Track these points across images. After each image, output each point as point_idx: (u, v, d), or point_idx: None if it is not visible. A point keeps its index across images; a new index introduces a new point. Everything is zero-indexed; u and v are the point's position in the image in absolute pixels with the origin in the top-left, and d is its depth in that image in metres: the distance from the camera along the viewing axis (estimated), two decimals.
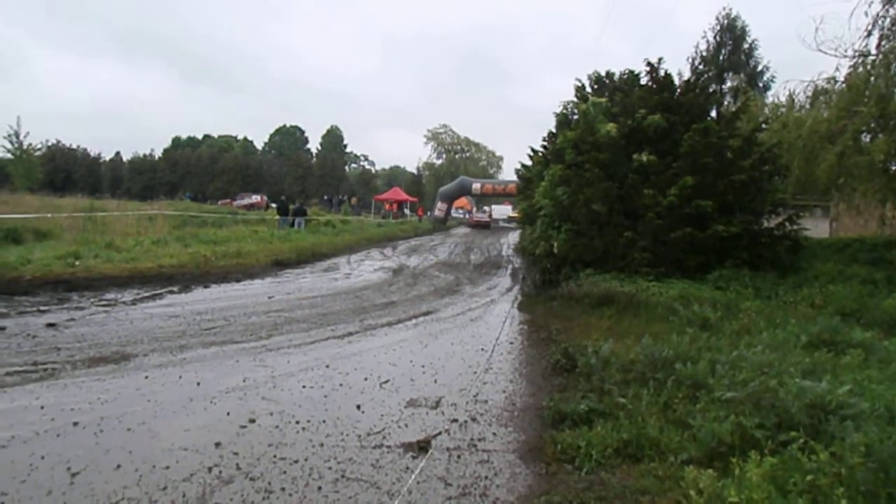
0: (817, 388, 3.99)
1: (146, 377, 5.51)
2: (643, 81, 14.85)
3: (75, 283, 9.87)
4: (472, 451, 4.30)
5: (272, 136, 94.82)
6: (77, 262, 10.94)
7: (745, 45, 35.74)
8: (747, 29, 35.78)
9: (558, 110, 20.85)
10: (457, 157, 78.84)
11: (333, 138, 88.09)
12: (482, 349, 7.67)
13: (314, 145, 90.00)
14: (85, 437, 4.09)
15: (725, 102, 26.87)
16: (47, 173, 59.17)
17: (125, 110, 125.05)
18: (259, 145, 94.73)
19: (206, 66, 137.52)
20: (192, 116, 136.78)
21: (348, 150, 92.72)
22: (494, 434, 4.68)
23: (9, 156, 42.71)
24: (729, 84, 34.60)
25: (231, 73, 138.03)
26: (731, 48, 35.96)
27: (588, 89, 18.25)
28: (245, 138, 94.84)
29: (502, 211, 58.30)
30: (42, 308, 8.19)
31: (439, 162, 78.48)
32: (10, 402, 4.62)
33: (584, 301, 10.38)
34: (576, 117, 16.18)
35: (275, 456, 3.99)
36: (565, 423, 4.70)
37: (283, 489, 3.55)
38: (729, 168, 12.20)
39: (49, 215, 16.04)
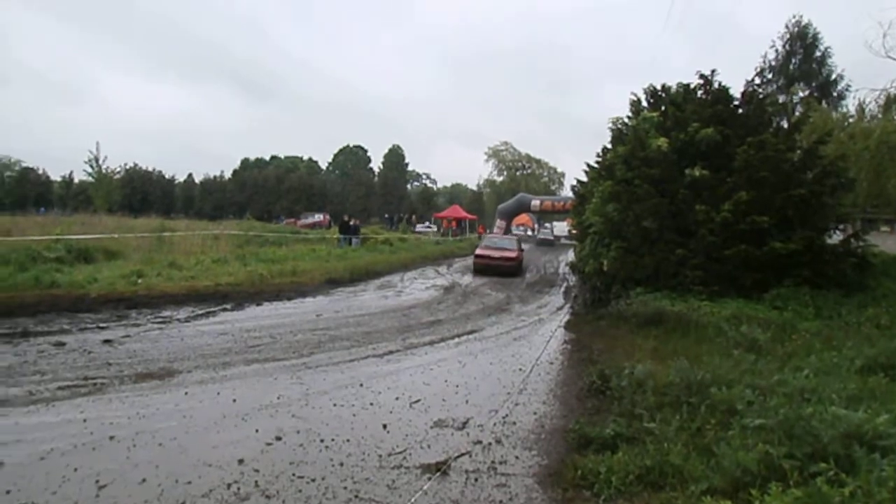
0: (854, 416, 3.76)
1: (186, 393, 5.77)
2: (699, 94, 14.49)
3: (136, 300, 10.42)
4: (491, 475, 4.27)
5: (336, 156, 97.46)
6: (140, 281, 11.59)
7: (817, 54, 34.16)
8: (819, 37, 34.22)
9: (612, 125, 20.49)
10: (518, 173, 78.59)
11: (395, 157, 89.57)
12: (520, 369, 7.61)
13: (377, 164, 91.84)
14: (118, 451, 4.32)
15: (796, 113, 25.73)
16: (125, 195, 62.67)
17: (198, 134, 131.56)
18: (323, 165, 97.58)
19: (272, 88, 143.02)
20: (260, 138, 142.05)
21: (410, 168, 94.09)
22: (517, 457, 4.63)
23: (90, 179, 45.73)
24: (800, 94, 33.10)
25: (295, 94, 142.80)
26: (802, 57, 34.43)
27: (644, 103, 17.92)
28: (310, 158, 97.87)
29: (564, 228, 57.53)
30: (101, 325, 8.69)
31: (500, 179, 78.51)
32: (56, 416, 4.95)
33: (631, 321, 10.16)
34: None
35: (293, 474, 4.09)
36: (590, 447, 4.61)
37: None
38: (788, 182, 11.66)
39: (116, 235, 17.02)
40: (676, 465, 3.94)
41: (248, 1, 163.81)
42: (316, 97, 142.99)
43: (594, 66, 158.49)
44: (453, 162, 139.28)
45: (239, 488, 3.83)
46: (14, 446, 4.33)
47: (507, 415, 5.71)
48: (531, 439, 5.05)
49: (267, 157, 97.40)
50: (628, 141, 14.52)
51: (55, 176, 77.54)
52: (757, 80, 30.28)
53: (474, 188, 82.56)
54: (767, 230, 11.27)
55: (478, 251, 22.16)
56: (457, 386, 6.64)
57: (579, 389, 6.59)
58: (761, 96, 14.73)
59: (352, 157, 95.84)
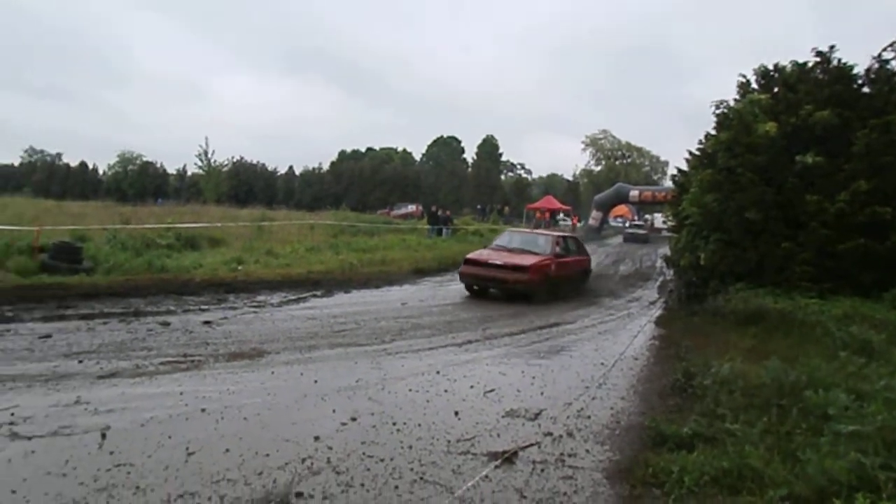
0: None
1: (272, 373, 6.08)
2: (816, 73, 13.30)
3: (235, 285, 11.08)
4: (559, 467, 4.17)
5: (430, 147, 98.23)
6: (239, 267, 12.37)
7: None
8: None
9: (715, 110, 19.23)
10: (617, 163, 76.19)
11: (489, 147, 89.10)
12: (602, 363, 7.38)
13: (470, 155, 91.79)
14: (207, 423, 4.62)
15: None
16: (232, 187, 66.43)
17: (298, 127, 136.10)
18: (417, 156, 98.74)
19: (368, 80, 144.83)
20: (356, 130, 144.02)
21: (504, 158, 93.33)
22: (587, 451, 4.49)
23: (200, 171, 48.98)
24: None
25: (392, 86, 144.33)
26: None
27: (754, 85, 16.72)
28: (404, 150, 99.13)
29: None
30: (203, 307, 9.32)
31: (598, 168, 76.43)
32: (156, 388, 5.37)
33: (729, 318, 9.64)
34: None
35: (364, 453, 4.20)
36: (666, 445, 4.39)
37: (362, 485, 3.73)
38: None
39: (219, 224, 18.24)
40: (756, 469, 3.68)
41: None
42: (412, 88, 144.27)
43: (707, 48, 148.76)
44: (549, 152, 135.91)
45: (312, 463, 3.99)
46: (120, 413, 4.73)
47: (582, 408, 5.56)
48: (605, 434, 4.89)
49: (363, 149, 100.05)
50: (732, 126, 13.62)
51: (171, 169, 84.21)
52: (890, 55, 27.43)
53: (570, 178, 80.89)
54: (891, 222, 10.19)
55: (469, 255, 13.35)
56: (533, 377, 6.54)
57: (662, 386, 6.30)
58: (893, 73, 13.29)
59: (445, 148, 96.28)
